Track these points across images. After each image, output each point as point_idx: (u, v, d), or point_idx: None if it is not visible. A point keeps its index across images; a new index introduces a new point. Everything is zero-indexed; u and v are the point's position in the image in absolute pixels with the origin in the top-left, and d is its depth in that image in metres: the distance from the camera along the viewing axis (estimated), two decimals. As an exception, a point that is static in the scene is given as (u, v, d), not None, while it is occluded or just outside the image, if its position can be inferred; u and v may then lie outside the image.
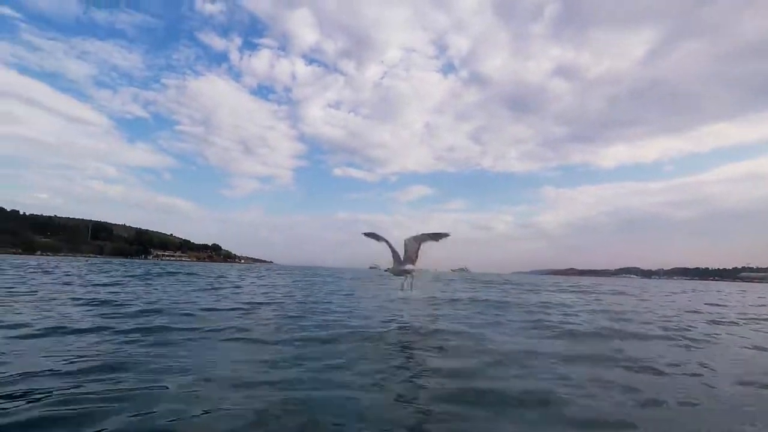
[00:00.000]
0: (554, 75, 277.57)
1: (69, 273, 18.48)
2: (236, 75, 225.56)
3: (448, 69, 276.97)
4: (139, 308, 6.90)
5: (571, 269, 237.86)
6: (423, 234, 8.70)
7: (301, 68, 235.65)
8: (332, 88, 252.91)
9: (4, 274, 15.82)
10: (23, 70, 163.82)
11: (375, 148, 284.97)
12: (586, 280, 55.52)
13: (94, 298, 8.08)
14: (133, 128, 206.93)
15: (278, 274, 31.87)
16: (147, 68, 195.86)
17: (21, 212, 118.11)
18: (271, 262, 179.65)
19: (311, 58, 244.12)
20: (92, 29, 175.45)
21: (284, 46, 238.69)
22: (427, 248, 8.84)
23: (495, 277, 57.74)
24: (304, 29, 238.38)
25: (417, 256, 8.99)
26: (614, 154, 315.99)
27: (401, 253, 8.99)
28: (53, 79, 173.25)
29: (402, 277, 9.59)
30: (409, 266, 9.06)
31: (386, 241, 9.18)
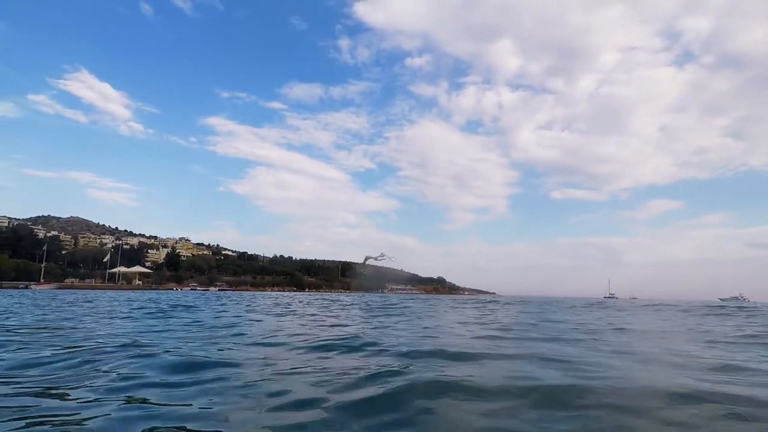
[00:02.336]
0: None
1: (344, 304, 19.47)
2: (446, 116, 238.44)
3: (685, 58, 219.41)
4: None
5: None
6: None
7: (507, 96, 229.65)
8: (542, 109, 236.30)
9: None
10: (289, 147, 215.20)
11: (598, 163, 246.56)
12: None
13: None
14: (364, 179, 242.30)
15: (504, 305, 24.34)
16: (371, 126, 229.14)
17: (295, 258, 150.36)
18: (494, 293, 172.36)
19: (516, 84, 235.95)
20: (330, 104, 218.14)
21: (488, 79, 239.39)
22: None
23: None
24: (506, 58, 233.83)
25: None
26: None
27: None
28: (308, 149, 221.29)
29: None
30: None
31: None
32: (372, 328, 8.62)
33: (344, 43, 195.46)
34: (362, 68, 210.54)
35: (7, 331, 7.04)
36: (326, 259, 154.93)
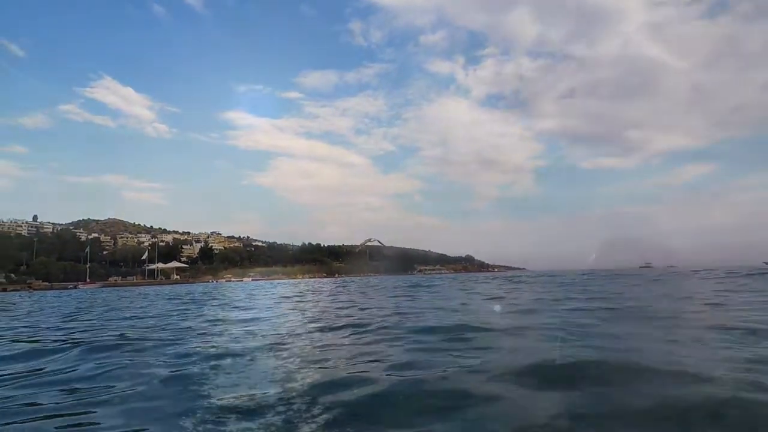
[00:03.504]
0: None
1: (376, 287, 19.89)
2: (464, 92, 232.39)
3: (717, 9, 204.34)
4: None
5: None
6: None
7: (527, 66, 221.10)
8: (565, 77, 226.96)
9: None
10: (309, 135, 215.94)
11: (627, 129, 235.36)
12: None
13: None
14: (385, 162, 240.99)
15: (528, 280, 23.33)
16: (389, 108, 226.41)
17: (323, 245, 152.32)
18: (524, 268, 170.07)
19: (536, 52, 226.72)
20: (346, 89, 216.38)
21: (506, 50, 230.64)
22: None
23: None
24: (524, 26, 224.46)
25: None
26: None
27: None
28: (327, 136, 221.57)
29: None
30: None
31: None
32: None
33: (356, 26, 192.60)
34: (376, 50, 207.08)
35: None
36: (353, 243, 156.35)
